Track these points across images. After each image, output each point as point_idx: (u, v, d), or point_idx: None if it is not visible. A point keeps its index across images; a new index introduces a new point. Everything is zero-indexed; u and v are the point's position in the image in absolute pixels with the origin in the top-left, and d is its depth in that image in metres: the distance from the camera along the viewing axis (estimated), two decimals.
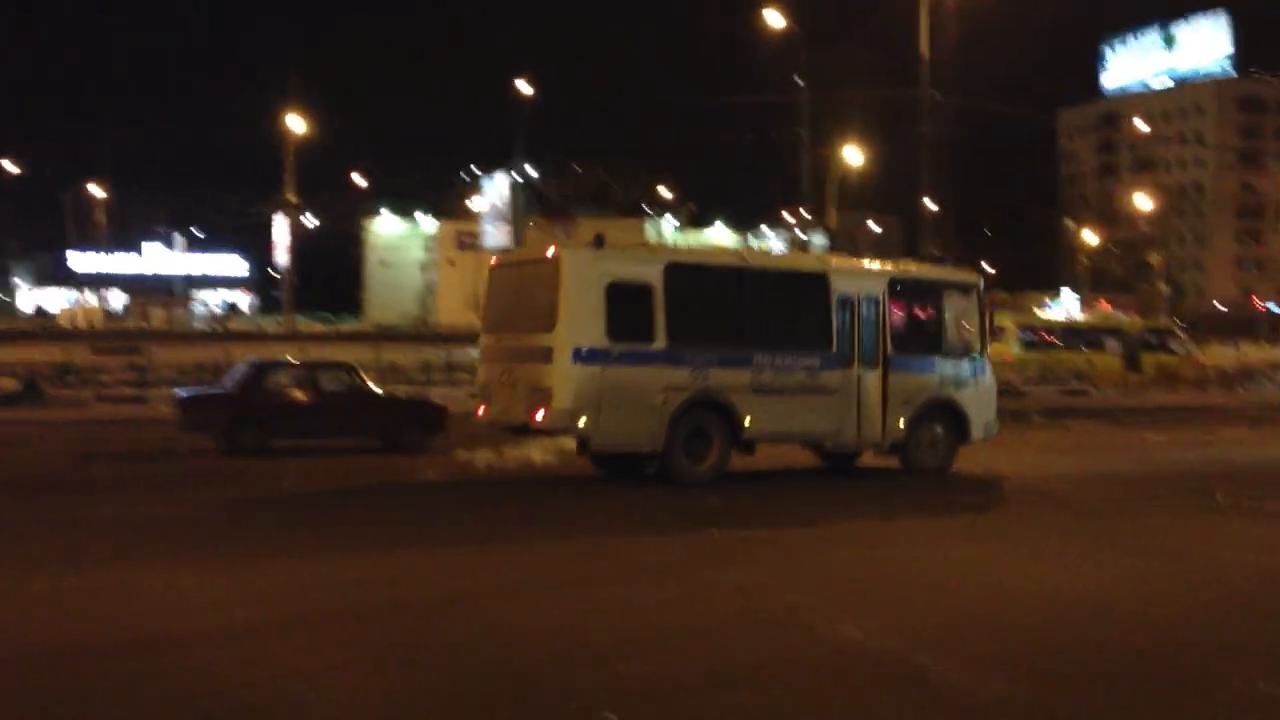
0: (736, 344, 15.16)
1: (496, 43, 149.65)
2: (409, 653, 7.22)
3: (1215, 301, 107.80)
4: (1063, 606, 8.69)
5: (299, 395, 18.54)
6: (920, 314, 16.81)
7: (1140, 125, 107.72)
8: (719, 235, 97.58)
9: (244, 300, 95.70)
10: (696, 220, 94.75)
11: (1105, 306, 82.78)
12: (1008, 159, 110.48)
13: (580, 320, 14.23)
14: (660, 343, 14.57)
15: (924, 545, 11.16)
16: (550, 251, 14.74)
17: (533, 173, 79.92)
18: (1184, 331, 45.13)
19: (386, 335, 50.31)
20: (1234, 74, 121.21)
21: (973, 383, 16.84)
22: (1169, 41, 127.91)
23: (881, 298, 16.17)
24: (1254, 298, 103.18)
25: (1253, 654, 7.51)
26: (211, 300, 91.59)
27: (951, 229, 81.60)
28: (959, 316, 16.85)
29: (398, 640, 7.50)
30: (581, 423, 14.21)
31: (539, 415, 14.24)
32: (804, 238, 49.40)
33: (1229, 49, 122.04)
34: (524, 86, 56.86)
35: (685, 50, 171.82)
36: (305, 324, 65.70)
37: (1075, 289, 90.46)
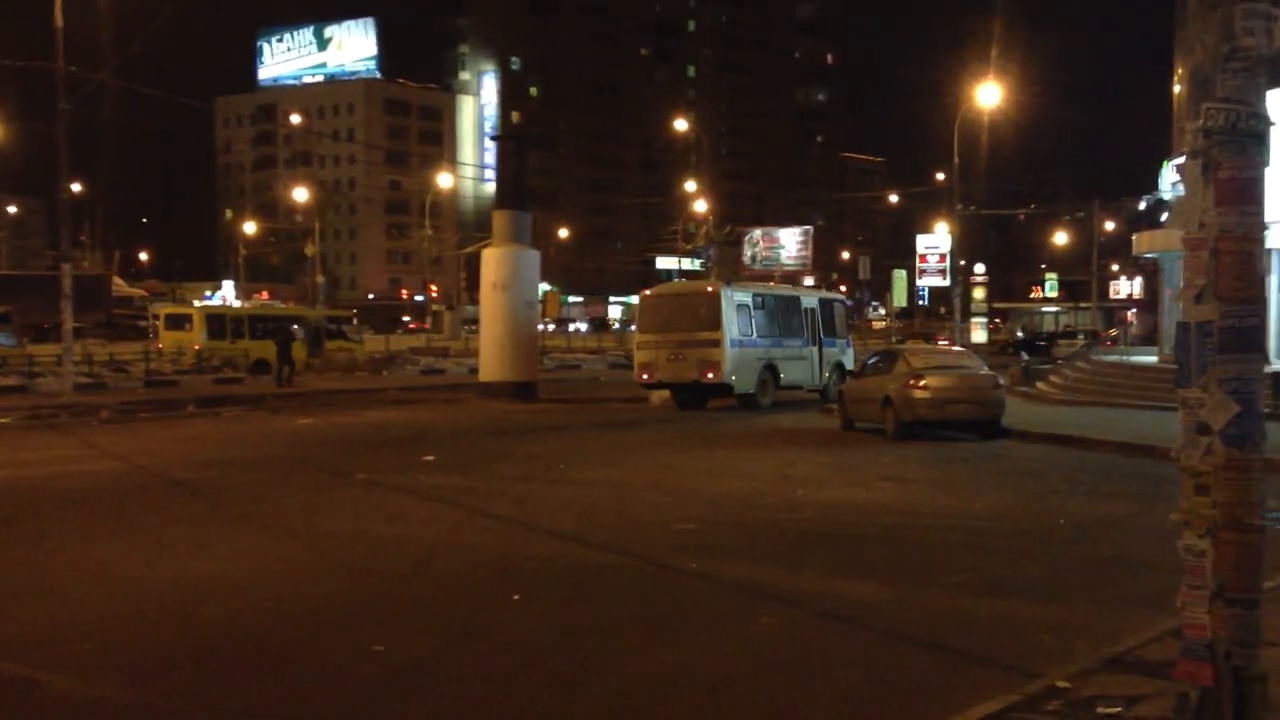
0: (777, 334, 27.65)
1: None
2: None
3: (370, 293, 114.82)
4: (200, 596, 8.46)
5: None
6: (829, 316, 29.89)
7: (296, 119, 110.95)
8: None
9: None
10: None
11: (264, 296, 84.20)
12: (167, 146, 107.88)
13: (729, 324, 26.02)
14: (754, 335, 26.86)
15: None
16: (710, 288, 27.27)
17: None
18: (356, 320, 47.74)
19: None
20: (379, 76, 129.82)
21: (848, 352, 30.16)
22: (322, 41, 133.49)
23: (818, 307, 29.56)
24: (402, 289, 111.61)
25: (361, 616, 7.92)
26: None
27: (103, 215, 77.65)
28: (841, 317, 30.94)
29: None
30: (733, 379, 26.05)
31: (709, 375, 25.89)
32: None
33: (374, 52, 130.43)
34: None
35: None
36: None
37: (234, 279, 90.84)
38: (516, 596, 8.45)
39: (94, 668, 6.70)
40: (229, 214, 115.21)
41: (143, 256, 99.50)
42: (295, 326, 37.79)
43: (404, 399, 30.40)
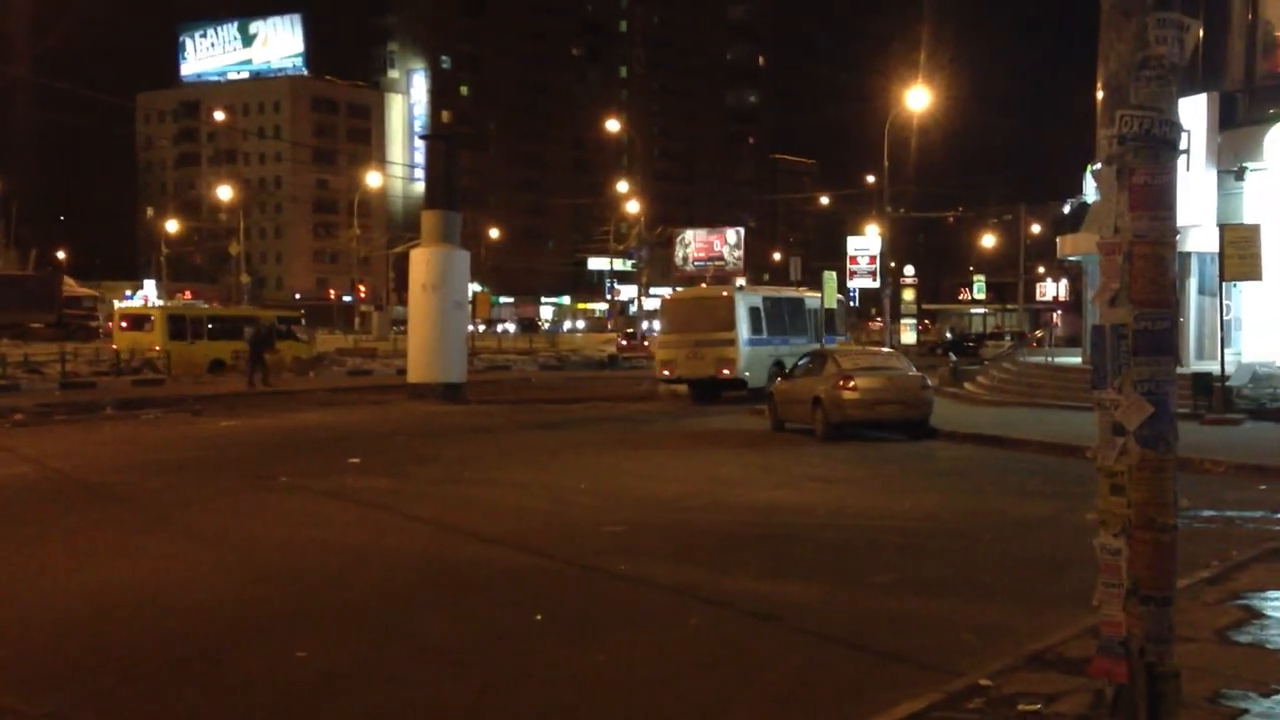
0: (784, 333, 30.18)
1: None
2: None
3: (296, 293, 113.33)
4: (118, 603, 8.29)
5: None
6: (829, 315, 33.99)
7: (220, 116, 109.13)
8: None
9: None
10: None
11: (187, 296, 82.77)
12: (86, 142, 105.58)
13: (743, 324, 28.64)
14: (764, 334, 29.32)
15: None
16: (726, 292, 30.06)
17: None
18: (305, 320, 47.33)
19: None
20: (306, 73, 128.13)
21: None
22: (247, 37, 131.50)
23: (819, 308, 33.28)
24: (330, 289, 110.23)
25: (283, 622, 7.80)
26: None
27: (19, 212, 75.76)
28: (841, 316, 35.77)
29: None
30: (746, 375, 28.46)
31: (725, 371, 28.54)
32: None
33: (301, 48, 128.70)
34: None
35: None
36: None
37: (156, 278, 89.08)
38: (444, 600, 8.40)
39: (2, 677, 6.53)
40: (150, 212, 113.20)
41: (60, 255, 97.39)
42: (263, 328, 37.13)
43: (331, 400, 30.06)
